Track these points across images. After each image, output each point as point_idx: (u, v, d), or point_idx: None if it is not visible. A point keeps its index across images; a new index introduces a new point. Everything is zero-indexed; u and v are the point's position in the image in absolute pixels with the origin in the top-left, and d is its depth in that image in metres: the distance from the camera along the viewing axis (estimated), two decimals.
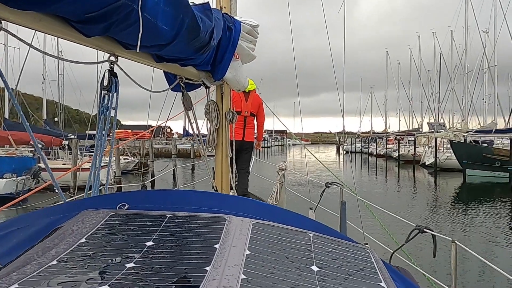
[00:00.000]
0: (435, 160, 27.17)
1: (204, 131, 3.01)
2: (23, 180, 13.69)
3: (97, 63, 1.69)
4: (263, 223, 1.13)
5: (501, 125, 29.54)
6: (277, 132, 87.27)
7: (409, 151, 35.92)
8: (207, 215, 1.15)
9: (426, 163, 29.14)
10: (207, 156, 2.91)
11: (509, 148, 23.52)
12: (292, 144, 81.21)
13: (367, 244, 2.41)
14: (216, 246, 0.95)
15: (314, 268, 0.94)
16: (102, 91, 1.65)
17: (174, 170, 15.07)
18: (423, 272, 2.86)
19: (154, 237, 1.00)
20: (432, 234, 1.99)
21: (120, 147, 22.16)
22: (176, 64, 2.01)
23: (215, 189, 3.02)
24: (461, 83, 38.52)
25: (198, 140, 2.78)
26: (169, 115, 3.00)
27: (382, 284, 0.93)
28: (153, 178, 14.58)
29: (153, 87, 2.46)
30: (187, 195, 1.43)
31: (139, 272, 0.82)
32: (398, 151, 36.81)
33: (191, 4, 1.75)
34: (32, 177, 14.28)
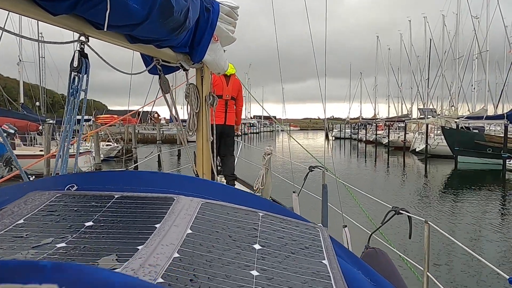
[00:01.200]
0: (426, 146, 27.28)
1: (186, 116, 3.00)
2: None
3: (64, 43, 1.65)
4: (212, 203, 1.14)
5: (490, 111, 29.91)
6: (266, 118, 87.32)
7: (399, 137, 36.19)
8: (156, 195, 1.15)
9: (417, 150, 29.35)
10: (191, 141, 2.91)
11: (501, 135, 23.67)
12: (281, 130, 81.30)
13: (344, 226, 2.48)
14: (157, 225, 0.95)
15: (257, 246, 0.95)
16: (72, 73, 1.62)
17: (159, 156, 14.96)
18: (399, 252, 2.96)
19: (95, 218, 1.00)
20: (408, 216, 2.05)
21: (102, 132, 21.87)
22: (152, 45, 1.97)
23: (196, 174, 3.03)
24: (451, 69, 38.91)
25: (178, 124, 2.77)
26: (146, 99, 2.99)
27: (325, 261, 0.95)
28: (135, 164, 14.46)
29: (133, 70, 2.44)
30: (138, 175, 1.42)
31: (67, 252, 0.82)
32: (388, 137, 37.02)
33: None
34: (4, 164, 13.74)
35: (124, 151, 21.48)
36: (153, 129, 43.10)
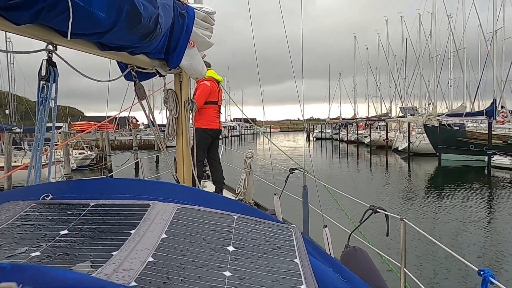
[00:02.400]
0: (409, 145, 27.56)
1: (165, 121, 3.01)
2: None
3: (31, 52, 1.62)
4: (188, 208, 1.17)
5: (467, 108, 30.63)
6: (246, 120, 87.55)
7: (380, 136, 36.79)
8: (132, 202, 1.18)
9: (399, 148, 29.76)
10: (170, 146, 2.92)
11: (483, 131, 24.11)
12: (263, 132, 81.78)
13: (325, 226, 2.55)
14: (132, 231, 0.97)
15: (230, 248, 0.99)
16: (41, 81, 1.61)
17: (137, 163, 14.58)
18: (377, 250, 3.06)
19: (70, 226, 1.01)
20: (385, 214, 2.13)
21: (74, 140, 21.24)
22: (124, 52, 1.97)
23: (177, 179, 3.04)
24: (428, 68, 40.02)
25: (156, 130, 2.78)
26: (122, 105, 2.99)
27: (296, 260, 0.99)
28: (110, 174, 14.07)
29: (112, 76, 2.44)
30: (114, 183, 1.43)
31: (42, 260, 0.83)
32: (370, 137, 37.52)
33: None
34: None
35: (98, 159, 20.94)
36: (131, 135, 42.43)
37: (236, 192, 5.02)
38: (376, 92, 56.90)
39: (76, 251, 0.89)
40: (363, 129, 45.72)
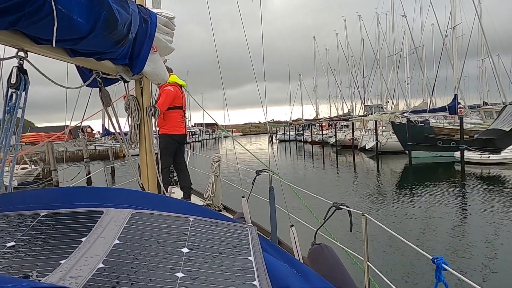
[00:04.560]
0: (376, 143, 27.79)
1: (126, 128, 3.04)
2: None
3: (3, 59, 1.64)
4: (142, 212, 1.20)
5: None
6: (208, 125, 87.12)
7: (345, 136, 37.45)
8: (85, 209, 1.18)
9: (367, 147, 30.14)
10: (134, 154, 2.94)
11: (449, 127, 24.64)
12: (224, 137, 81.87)
13: (291, 226, 2.69)
14: (83, 239, 0.98)
15: (185, 250, 1.03)
16: (10, 89, 1.61)
17: (88, 179, 13.52)
18: (342, 246, 3.26)
19: (18, 237, 1.01)
20: (348, 210, 2.30)
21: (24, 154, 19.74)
22: (92, 58, 2.02)
23: (142, 187, 3.07)
24: (386, 67, 41.83)
25: (121, 138, 2.81)
26: (84, 113, 2.97)
27: (250, 258, 1.06)
28: None
29: (66, 84, 2.45)
30: (66, 192, 1.44)
31: None
32: (336, 137, 38.02)
33: None
34: None
35: (45, 173, 19.00)
36: (87, 145, 40.57)
37: (205, 196, 5.08)
38: (336, 92, 58.71)
39: (23, 262, 0.88)
40: (327, 129, 46.89)
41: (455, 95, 27.04)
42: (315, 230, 2.42)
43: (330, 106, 62.68)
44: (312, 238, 2.37)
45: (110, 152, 31.12)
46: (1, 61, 1.72)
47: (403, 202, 12.72)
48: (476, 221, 9.98)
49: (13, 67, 1.60)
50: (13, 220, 1.11)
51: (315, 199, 3.53)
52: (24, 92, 1.64)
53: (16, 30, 1.46)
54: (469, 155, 19.69)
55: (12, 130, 1.67)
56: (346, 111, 54.00)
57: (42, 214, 1.15)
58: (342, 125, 43.49)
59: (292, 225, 2.76)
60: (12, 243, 0.97)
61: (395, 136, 25.28)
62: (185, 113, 5.44)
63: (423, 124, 26.89)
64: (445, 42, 29.23)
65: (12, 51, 1.60)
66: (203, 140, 79.75)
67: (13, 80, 1.60)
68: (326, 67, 59.52)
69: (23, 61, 1.61)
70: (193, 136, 72.28)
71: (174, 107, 5.09)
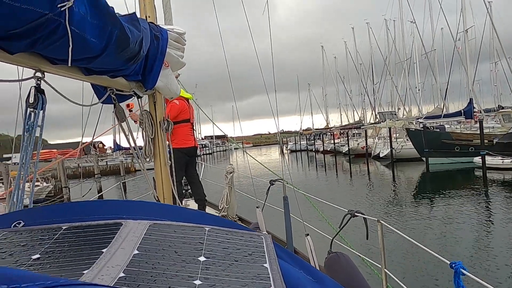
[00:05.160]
0: (391, 151, 26.95)
1: (139, 143, 3.11)
2: None
3: (22, 80, 1.71)
4: (160, 223, 1.23)
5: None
6: (218, 137, 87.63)
7: (358, 144, 36.96)
8: (104, 222, 1.23)
9: (381, 155, 29.55)
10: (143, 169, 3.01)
11: (466, 132, 23.75)
12: (234, 148, 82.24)
13: (307, 235, 2.70)
14: (104, 250, 1.02)
15: (201, 258, 1.06)
16: (28, 109, 1.68)
17: (101, 195, 13.47)
18: (358, 253, 3.25)
19: (42, 250, 1.05)
20: (363, 217, 2.30)
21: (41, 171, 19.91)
22: (106, 76, 2.09)
23: (157, 199, 3.13)
24: (396, 73, 41.71)
25: (136, 153, 2.88)
26: (95, 129, 3.07)
27: (266, 265, 1.07)
28: None
29: (82, 102, 2.53)
30: (86, 205, 1.49)
31: None
32: (348, 145, 37.47)
33: (118, 15, 1.83)
34: None
35: (57, 191, 19.18)
36: (98, 161, 40.95)
37: (219, 208, 5.13)
38: (346, 100, 58.59)
39: (48, 273, 0.91)
40: (338, 138, 46.61)
41: (470, 99, 26.51)
42: (331, 238, 2.43)
43: (341, 114, 62.65)
44: (327, 246, 2.38)
45: (121, 167, 31.39)
46: (20, 82, 1.78)
47: (421, 210, 12.48)
48: (500, 229, 9.73)
49: (31, 87, 1.68)
50: (37, 234, 1.15)
51: (329, 207, 3.53)
52: (42, 111, 1.71)
53: (33, 51, 1.53)
54: (489, 160, 18.82)
55: (32, 148, 1.73)
56: (357, 119, 53.80)
57: (64, 228, 1.19)
58: (354, 133, 43.23)
59: (308, 234, 2.77)
60: (37, 256, 1.01)
61: (410, 142, 24.77)
62: (193, 126, 5.52)
63: (439, 130, 26.13)
64: (457, 46, 28.92)
65: (30, 71, 1.67)
66: (213, 152, 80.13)
67: (31, 100, 1.67)
68: (335, 76, 59.69)
69: (40, 81, 1.68)
70: (204, 148, 72.72)
71: (182, 120, 5.16)
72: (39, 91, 1.69)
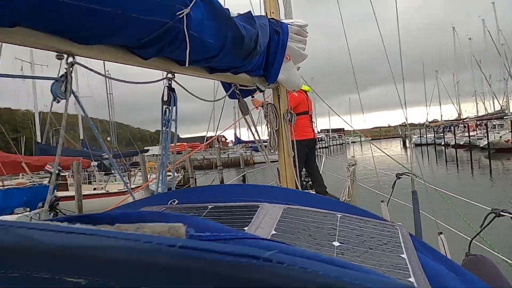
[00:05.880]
0: None
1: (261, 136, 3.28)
2: (38, 214, 11.59)
3: (157, 81, 1.97)
4: (293, 208, 1.30)
5: None
6: (334, 130, 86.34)
7: (500, 137, 32.07)
8: (244, 203, 1.35)
9: None
10: (262, 162, 3.16)
11: None
12: (352, 142, 80.00)
13: (440, 233, 2.49)
14: (245, 228, 1.11)
15: (336, 243, 1.08)
16: (163, 106, 1.95)
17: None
18: (504, 258, 2.86)
19: None
20: (511, 217, 2.03)
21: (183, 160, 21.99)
22: (229, 73, 2.24)
23: None
24: None
25: (260, 145, 3.05)
26: (218, 123, 3.34)
27: (403, 255, 1.03)
28: None
29: (209, 97, 2.78)
30: (228, 188, 1.67)
31: None
32: (488, 138, 32.66)
33: (236, 15, 2.01)
34: (49, 209, 11.26)
35: (186, 180, 21.14)
36: (221, 153, 43.96)
37: (341, 200, 5.10)
38: (483, 87, 51.88)
39: None
40: (474, 130, 41.49)
41: None
42: (470, 239, 2.21)
43: (477, 103, 55.77)
44: (462, 248, 2.17)
45: (241, 159, 33.14)
46: (155, 83, 2.07)
47: None
48: None
49: (164, 87, 1.93)
50: (188, 211, 1.34)
51: (465, 205, 3.20)
52: (174, 107, 1.96)
53: (163, 56, 1.74)
54: None
55: (169, 140, 2.01)
56: (498, 108, 47.19)
57: (210, 207, 1.35)
58: (494, 125, 37.94)
59: (441, 233, 2.56)
60: None
61: None
62: (311, 118, 5.53)
63: None
64: None
65: (162, 73, 1.93)
66: (329, 146, 79.29)
67: (165, 98, 1.93)
68: (470, 60, 53.21)
69: (171, 81, 1.91)
70: (320, 142, 72.49)
71: (300, 112, 5.20)
72: (170, 90, 1.93)
